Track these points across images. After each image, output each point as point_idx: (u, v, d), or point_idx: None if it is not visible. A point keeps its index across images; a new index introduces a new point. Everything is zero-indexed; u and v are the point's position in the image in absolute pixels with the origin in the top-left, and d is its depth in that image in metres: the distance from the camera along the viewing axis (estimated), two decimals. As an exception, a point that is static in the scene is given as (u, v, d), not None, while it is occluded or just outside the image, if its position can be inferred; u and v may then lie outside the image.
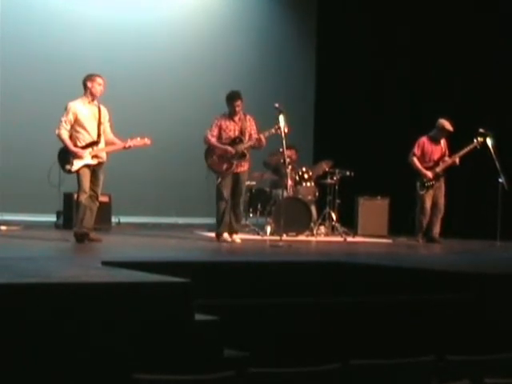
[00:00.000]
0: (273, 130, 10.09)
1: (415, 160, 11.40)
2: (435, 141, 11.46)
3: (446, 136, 11.45)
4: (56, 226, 11.67)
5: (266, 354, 5.21)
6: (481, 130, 11.33)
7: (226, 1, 14.67)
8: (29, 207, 12.28)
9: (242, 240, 10.25)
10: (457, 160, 11.42)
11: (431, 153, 11.46)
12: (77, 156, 9.07)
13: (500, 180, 11.20)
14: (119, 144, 9.40)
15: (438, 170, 11.38)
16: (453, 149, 11.55)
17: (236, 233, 10.25)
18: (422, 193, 11.35)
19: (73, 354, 4.51)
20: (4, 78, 12.42)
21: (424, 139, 11.47)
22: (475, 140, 11.28)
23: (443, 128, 11.33)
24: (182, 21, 14.14)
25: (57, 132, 9.14)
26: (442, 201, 11.40)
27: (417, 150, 11.43)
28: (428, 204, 11.36)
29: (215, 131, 10.13)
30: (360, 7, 14.15)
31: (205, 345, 4.87)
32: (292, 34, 14.99)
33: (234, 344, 5.06)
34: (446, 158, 11.44)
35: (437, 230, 11.43)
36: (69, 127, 9.14)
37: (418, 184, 11.37)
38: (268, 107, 10.36)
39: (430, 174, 11.35)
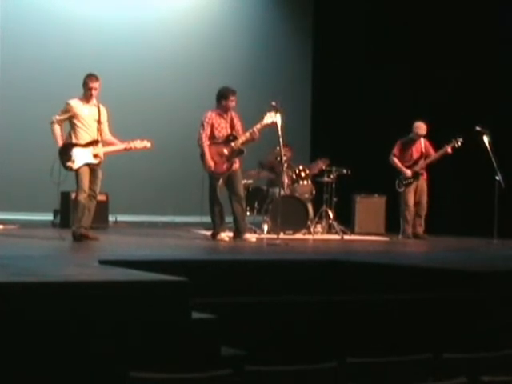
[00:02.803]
0: (264, 122, 9.94)
1: (395, 159, 11.81)
2: (412, 142, 11.82)
3: (423, 137, 11.76)
4: (53, 224, 11.67)
5: (263, 352, 5.22)
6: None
7: (223, 1, 14.67)
8: (26, 206, 12.28)
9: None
10: (432, 157, 11.69)
11: (410, 153, 11.83)
12: (64, 152, 9.06)
13: (497, 178, 11.26)
14: (120, 145, 9.40)
15: (416, 168, 11.71)
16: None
17: (246, 231, 10.24)
18: (400, 190, 11.73)
19: (70, 352, 4.51)
20: (1, 77, 12.41)
21: (401, 141, 11.86)
22: (446, 145, 11.57)
23: (416, 131, 11.74)
24: (180, 20, 14.14)
25: (50, 124, 9.16)
26: (424, 199, 11.74)
27: (396, 151, 11.84)
28: (411, 200, 11.68)
29: (208, 130, 9.99)
30: (357, 5, 14.14)
31: (202, 343, 4.88)
32: (288, 32, 14.99)
33: (231, 342, 5.06)
34: (427, 159, 11.72)
35: (421, 226, 11.72)
36: (62, 123, 9.17)
37: (397, 181, 11.75)
38: (265, 105, 10.34)
39: (408, 172, 11.68)
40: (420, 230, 11.71)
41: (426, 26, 13.25)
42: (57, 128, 9.18)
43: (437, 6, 13.16)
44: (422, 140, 11.77)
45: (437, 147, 11.78)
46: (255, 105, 11.23)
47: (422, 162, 11.71)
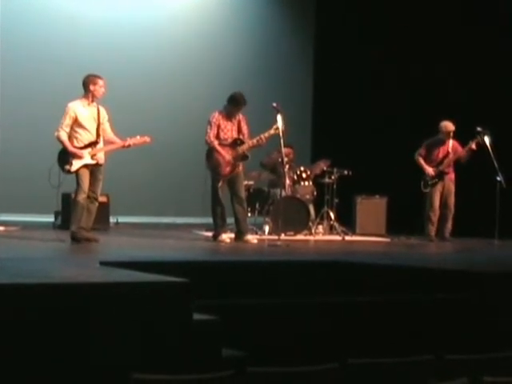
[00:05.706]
0: (272, 131, 10.01)
1: (419, 158, 11.68)
2: (440, 142, 11.68)
3: (451, 136, 11.60)
4: (54, 226, 11.66)
5: (264, 354, 5.21)
6: (478, 129, 11.37)
7: (225, 1, 14.67)
8: (27, 208, 12.28)
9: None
10: (461, 154, 11.52)
11: (436, 154, 11.70)
12: (76, 156, 9.07)
13: (498, 178, 11.23)
14: (118, 143, 9.40)
15: (440, 167, 11.60)
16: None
17: (247, 232, 10.22)
18: (425, 191, 11.61)
19: (71, 354, 4.51)
20: (3, 78, 12.42)
21: (430, 141, 11.72)
22: (470, 142, 11.40)
23: (444, 130, 11.54)
24: (181, 21, 14.13)
25: (56, 134, 9.13)
26: (451, 200, 11.58)
27: (422, 151, 11.72)
28: (436, 202, 11.54)
29: (215, 130, 10.02)
30: (359, 6, 14.13)
31: (203, 344, 4.87)
32: (290, 33, 14.99)
33: (232, 343, 5.06)
34: (450, 156, 11.59)
35: (448, 229, 11.57)
36: (68, 129, 9.13)
37: (422, 182, 11.63)
38: (266, 106, 10.35)
39: (431, 170, 11.55)
40: (446, 232, 11.54)
41: (430, 26, 13.23)
42: (64, 135, 9.10)
43: (438, 6, 13.16)
44: (451, 141, 11.62)
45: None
46: (256, 105, 11.22)
47: (446, 161, 11.54)
